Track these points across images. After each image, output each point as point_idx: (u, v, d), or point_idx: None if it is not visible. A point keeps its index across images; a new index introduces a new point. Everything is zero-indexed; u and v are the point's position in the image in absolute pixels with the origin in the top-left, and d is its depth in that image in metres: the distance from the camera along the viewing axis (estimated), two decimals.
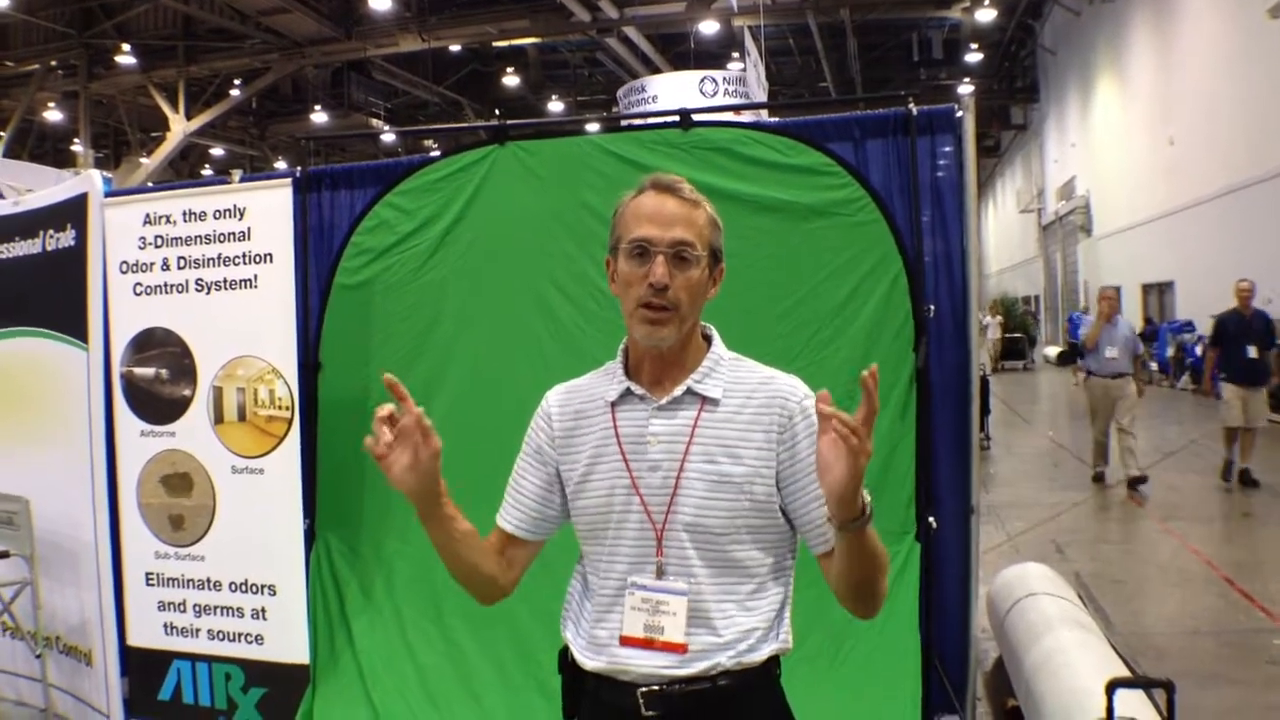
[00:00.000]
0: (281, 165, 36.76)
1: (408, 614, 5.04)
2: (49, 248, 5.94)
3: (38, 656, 5.79)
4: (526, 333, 4.95)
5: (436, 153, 5.34)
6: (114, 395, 5.58)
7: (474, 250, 5.04)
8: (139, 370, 5.52)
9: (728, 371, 2.45)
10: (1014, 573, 5.87)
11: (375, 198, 5.22)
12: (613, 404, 2.49)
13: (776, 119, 5.20)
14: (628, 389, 2.48)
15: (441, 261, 5.09)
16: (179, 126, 30.26)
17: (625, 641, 2.37)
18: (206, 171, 39.07)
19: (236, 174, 5.55)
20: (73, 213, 5.76)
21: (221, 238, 5.30)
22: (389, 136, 35.91)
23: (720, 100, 20.67)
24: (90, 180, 5.75)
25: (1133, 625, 7.06)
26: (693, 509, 2.36)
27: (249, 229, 5.24)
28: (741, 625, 2.37)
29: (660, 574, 2.37)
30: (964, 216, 4.63)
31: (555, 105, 36.72)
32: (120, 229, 5.58)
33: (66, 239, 5.79)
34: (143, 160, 31.74)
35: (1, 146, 28.85)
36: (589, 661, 2.43)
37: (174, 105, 30.22)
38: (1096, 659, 4.45)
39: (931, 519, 4.42)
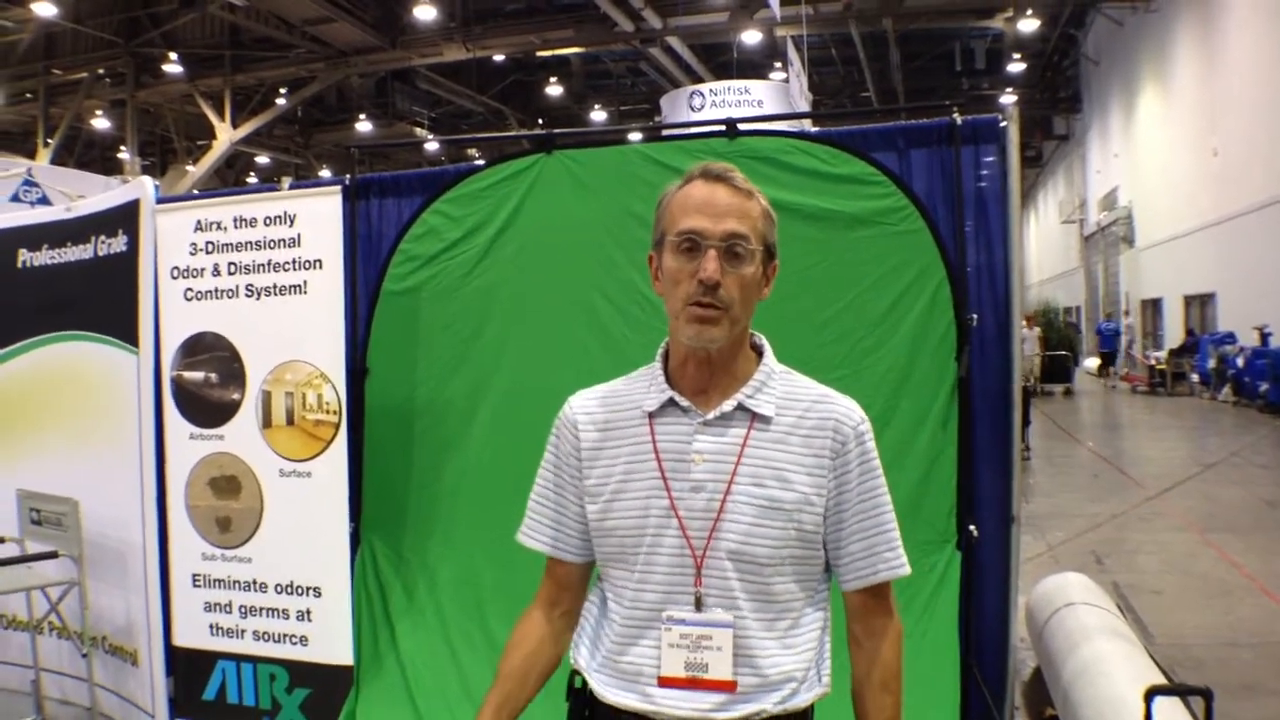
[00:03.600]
0: (326, 173, 37.06)
1: (451, 616, 5.09)
2: (100, 253, 6.03)
3: (84, 656, 5.87)
4: (572, 341, 4.99)
5: (481, 161, 5.39)
6: (164, 398, 5.66)
7: (520, 258, 5.09)
8: (189, 374, 5.60)
9: (780, 386, 2.28)
10: (1053, 582, 5.86)
11: (423, 205, 5.28)
12: (651, 415, 2.29)
13: (820, 129, 5.23)
14: (670, 399, 2.28)
15: (488, 269, 5.14)
16: (225, 135, 30.53)
17: (665, 682, 2.19)
18: (252, 179, 39.40)
19: (286, 181, 5.62)
20: (124, 219, 5.84)
21: (271, 244, 5.37)
22: (433, 145, 36.15)
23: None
24: (142, 187, 5.83)
25: (1171, 636, 7.04)
26: (739, 536, 2.18)
27: (299, 235, 5.30)
28: (784, 666, 2.21)
29: (699, 605, 2.19)
30: (1007, 226, 4.64)
31: (598, 115, 36.82)
32: (171, 235, 5.65)
33: (118, 244, 5.87)
34: (189, 168, 32.03)
35: (50, 153, 29.17)
36: (613, 695, 2.24)
37: (220, 114, 30.48)
38: (1135, 669, 4.45)
39: (972, 527, 4.43)
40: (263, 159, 39.10)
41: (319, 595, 5.27)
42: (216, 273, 5.52)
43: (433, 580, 5.18)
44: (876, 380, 4.54)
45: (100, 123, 34.26)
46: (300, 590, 5.30)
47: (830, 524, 2.25)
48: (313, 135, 37.72)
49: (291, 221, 5.34)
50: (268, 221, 5.40)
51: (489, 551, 5.00)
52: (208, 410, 5.55)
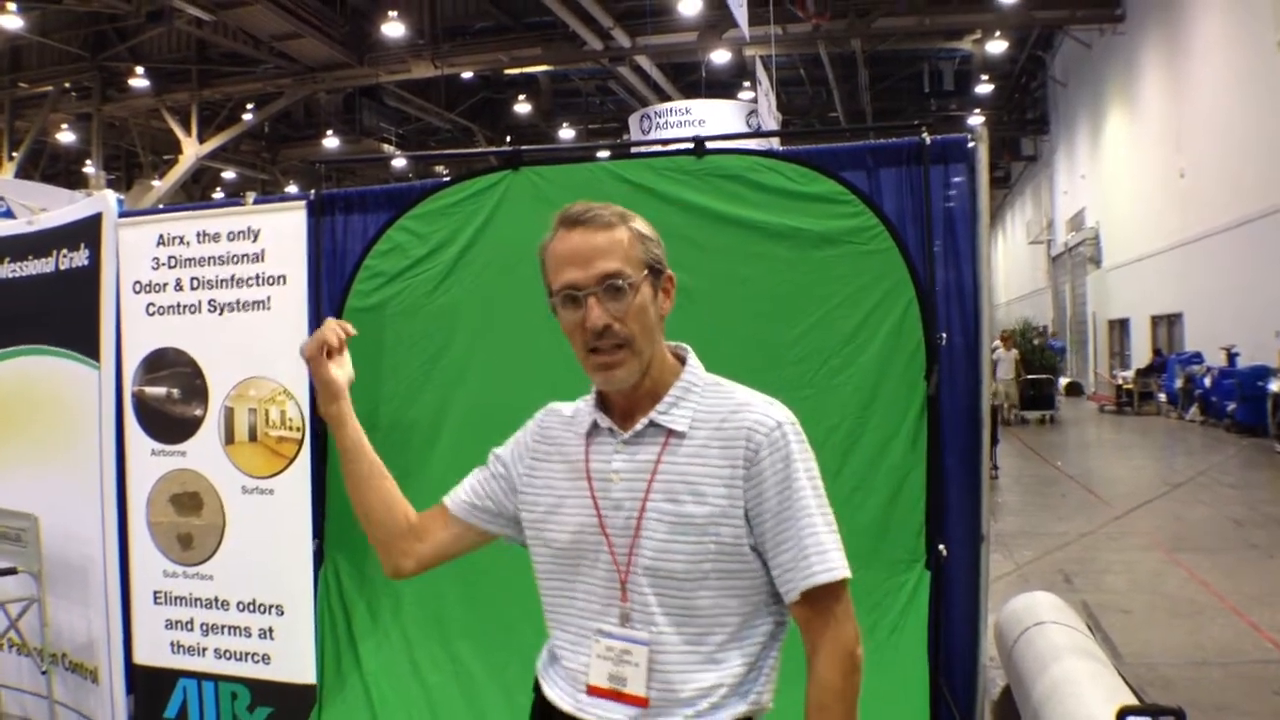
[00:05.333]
0: (293, 189, 36.90)
1: (415, 635, 5.03)
2: (62, 267, 5.97)
3: (44, 673, 5.80)
4: (539, 359, 4.92)
5: (448, 178, 5.36)
6: (125, 414, 5.60)
7: (486, 275, 5.04)
8: (150, 389, 5.54)
9: (699, 399, 2.31)
10: (1022, 601, 5.86)
11: (388, 221, 5.22)
12: (586, 435, 2.39)
13: (789, 147, 5.21)
14: (595, 421, 2.38)
15: (454, 286, 5.09)
16: (191, 150, 30.42)
17: (592, 690, 2.26)
18: (218, 194, 39.22)
19: (250, 196, 5.57)
20: (86, 233, 5.79)
21: (235, 259, 5.32)
22: (400, 162, 36.20)
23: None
24: (104, 200, 5.78)
25: (1140, 655, 7.05)
26: (653, 552, 2.22)
27: (262, 251, 5.26)
28: (703, 682, 2.21)
29: (625, 621, 2.24)
30: (976, 245, 4.63)
31: (566, 133, 36.86)
32: (133, 249, 5.60)
33: (80, 258, 5.82)
34: (154, 183, 31.89)
35: (14, 167, 28.98)
36: (553, 693, 2.34)
37: (186, 128, 30.37)
38: (1105, 689, 4.43)
39: (942, 546, 4.41)
40: (229, 174, 38.98)
41: (281, 613, 5.21)
42: (179, 288, 5.47)
43: (397, 600, 5.11)
44: (845, 399, 4.52)
45: (66, 136, 34.09)
46: (263, 608, 5.24)
47: (758, 535, 2.24)
48: (279, 151, 37.61)
49: (255, 237, 5.30)
50: (231, 236, 5.35)
51: (453, 570, 4.93)
52: (169, 426, 5.49)
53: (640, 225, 2.33)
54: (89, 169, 32.09)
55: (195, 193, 37.88)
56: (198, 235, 5.43)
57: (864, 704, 4.37)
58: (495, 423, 4.88)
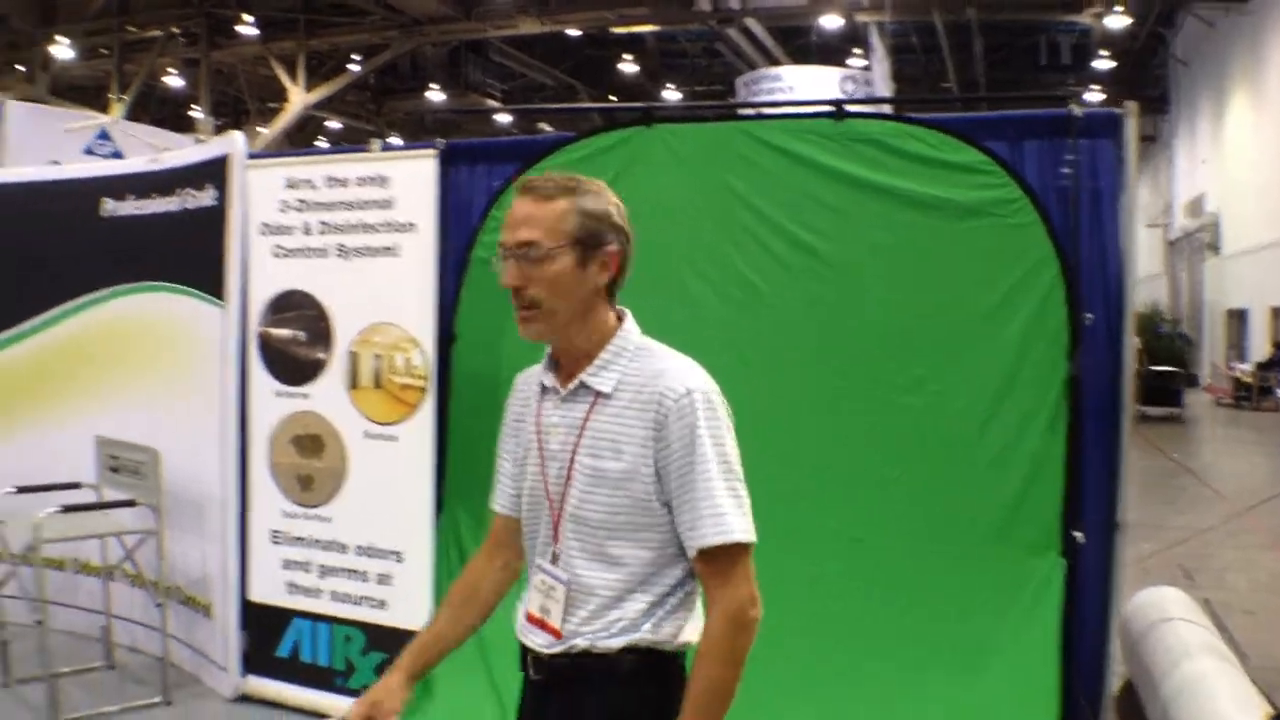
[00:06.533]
0: (396, 140, 37.00)
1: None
2: (187, 206, 6.02)
3: (158, 605, 5.87)
4: (665, 320, 4.81)
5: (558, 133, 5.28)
6: (249, 354, 5.64)
7: None
8: (275, 331, 5.57)
9: (627, 363, 2.44)
10: (1150, 596, 5.71)
11: (516, 173, 5.16)
12: (539, 393, 2.55)
13: (930, 114, 5.07)
14: (543, 381, 2.54)
15: None
16: (298, 98, 30.55)
17: (528, 617, 2.48)
18: (322, 143, 39.45)
19: (376, 144, 5.56)
20: (213, 173, 5.83)
21: (364, 205, 5.33)
22: (504, 117, 36.04)
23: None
24: (233, 142, 5.81)
25: (1267, 659, 6.83)
26: (575, 502, 2.41)
27: (392, 198, 5.25)
28: (608, 618, 2.39)
29: (554, 560, 2.44)
30: (1121, 222, 4.49)
31: (671, 94, 36.56)
32: (261, 191, 5.63)
33: (206, 198, 5.86)
34: (261, 130, 32.15)
35: (124, 109, 29.38)
36: (515, 622, 2.54)
37: (293, 77, 30.49)
38: (1237, 690, 4.31)
39: (1078, 534, 4.29)
40: (334, 124, 39.19)
41: (400, 560, 5.22)
42: (307, 231, 5.48)
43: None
44: (984, 375, 4.39)
45: (174, 81, 34.41)
46: (381, 553, 5.27)
47: (666, 493, 2.38)
48: (385, 102, 37.71)
49: (384, 183, 5.29)
50: (360, 182, 5.35)
51: None
52: (293, 368, 5.52)
53: (587, 201, 2.44)
54: (196, 113, 32.43)
55: (300, 141, 38.11)
56: (326, 180, 5.44)
57: (994, 690, 4.31)
58: None
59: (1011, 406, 4.37)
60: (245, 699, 5.64)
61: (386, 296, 5.26)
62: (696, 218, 4.85)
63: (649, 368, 2.42)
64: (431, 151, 5.21)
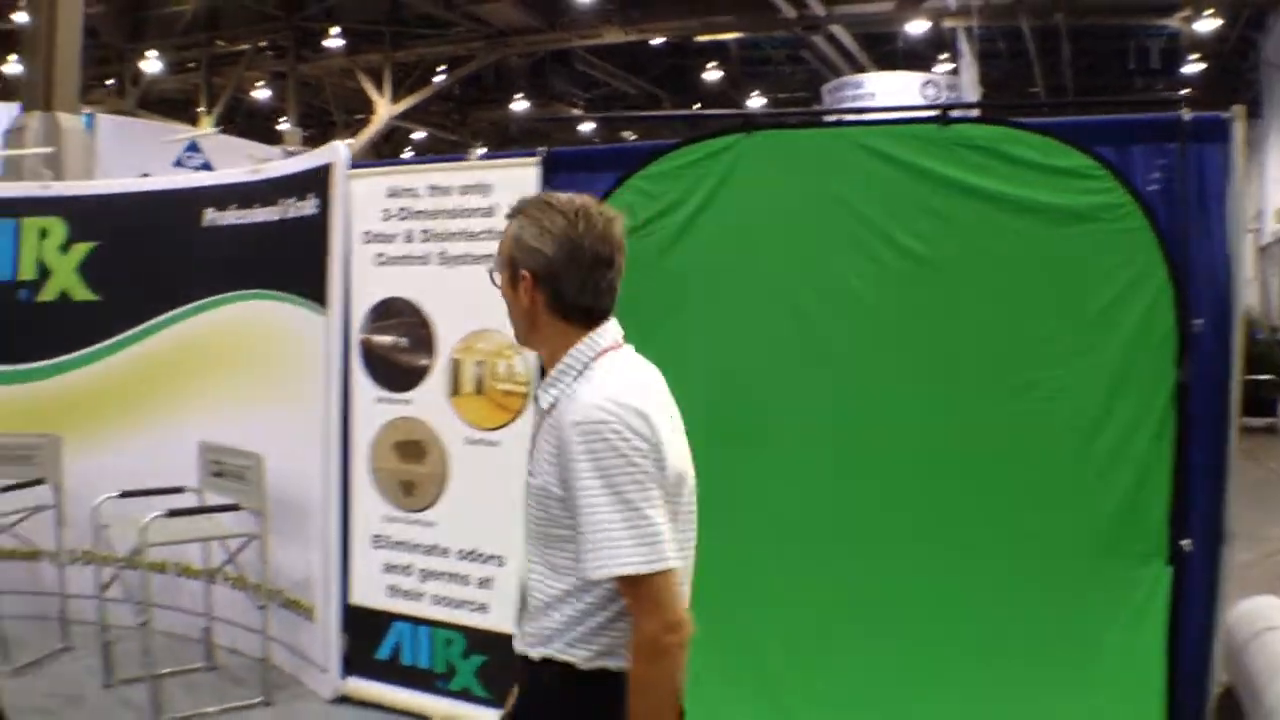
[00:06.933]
0: (481, 151, 37.14)
1: None
2: (289, 215, 6.12)
3: (261, 608, 5.96)
4: (772, 331, 4.84)
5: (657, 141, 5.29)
6: (351, 361, 5.71)
7: (717, 241, 4.94)
8: (378, 338, 5.65)
9: (571, 381, 2.44)
10: (1253, 605, 5.61)
11: (617, 181, 5.19)
12: None
13: (1033, 119, 5.03)
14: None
15: (683, 250, 5.00)
16: (384, 109, 30.84)
17: (519, 616, 2.63)
18: (408, 154, 39.73)
19: (475, 151, 5.62)
20: (315, 182, 5.92)
21: (466, 213, 5.39)
22: (587, 126, 36.11)
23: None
24: (335, 152, 5.91)
25: None
26: (527, 511, 2.56)
27: (494, 205, 5.30)
28: (544, 623, 2.46)
29: (529, 561, 2.58)
30: (1229, 227, 4.44)
31: (755, 101, 36.40)
32: (364, 200, 5.71)
33: (308, 207, 5.95)
34: (347, 141, 32.41)
35: (211, 122, 29.77)
36: None
37: (379, 89, 30.80)
38: None
39: (1186, 542, 4.25)
40: (419, 134, 39.47)
41: (502, 564, 5.26)
42: (409, 239, 5.55)
43: None
44: (1091, 382, 4.35)
45: (261, 93, 34.85)
46: (483, 558, 5.32)
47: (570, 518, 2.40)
48: (469, 113, 37.95)
49: (487, 191, 5.34)
50: (463, 190, 5.41)
51: None
52: (396, 375, 5.59)
53: (517, 224, 2.48)
54: (284, 125, 32.80)
55: (386, 151, 38.38)
56: (429, 188, 5.51)
57: (1093, 696, 4.29)
58: (722, 388, 4.89)
59: (1119, 413, 4.33)
60: (345, 700, 5.71)
61: (488, 304, 5.24)
62: (799, 225, 4.84)
63: (580, 389, 2.40)
64: (534, 159, 5.25)
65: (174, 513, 5.75)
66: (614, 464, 2.29)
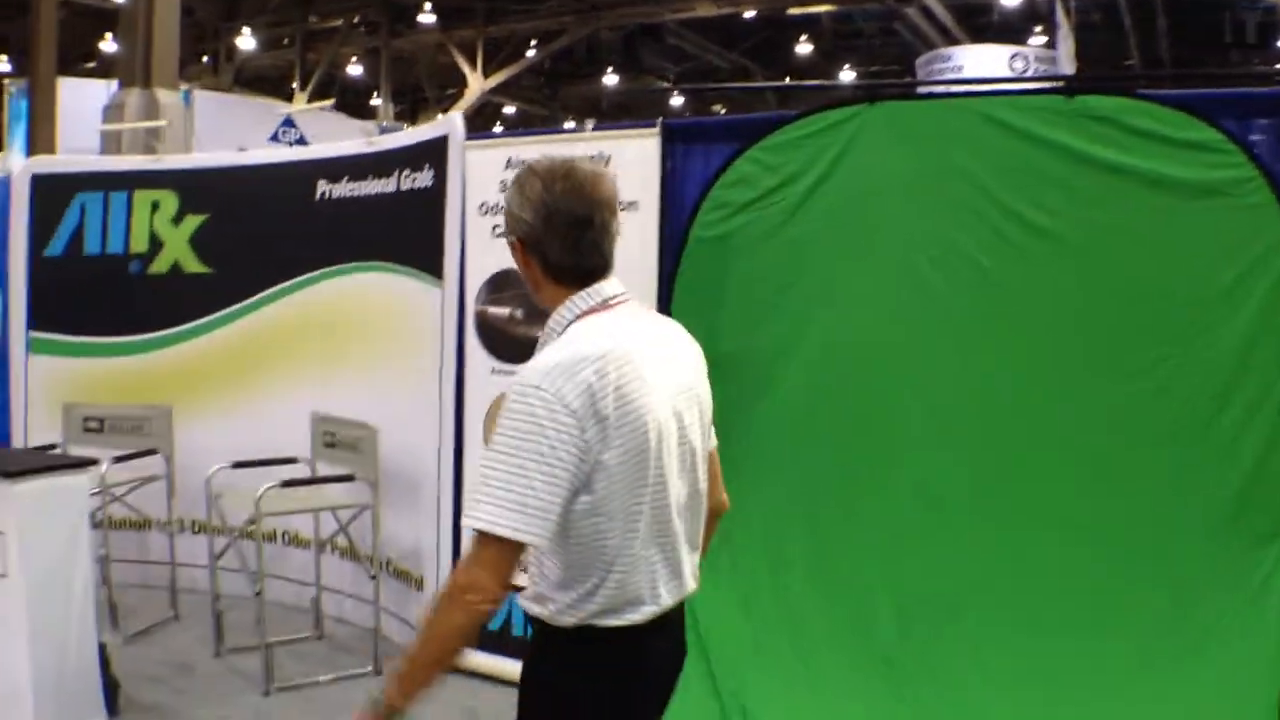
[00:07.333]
0: (570, 125, 37.11)
1: (746, 573, 4.95)
2: (404, 187, 6.14)
3: (373, 578, 6.01)
4: (892, 305, 4.79)
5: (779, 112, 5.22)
6: (466, 333, 5.73)
7: (838, 213, 4.88)
8: (493, 310, 5.65)
9: (550, 343, 2.48)
10: None
11: (736, 152, 5.14)
12: None
13: (1159, 91, 4.91)
14: None
15: (803, 221, 4.94)
16: (476, 84, 30.95)
17: None
18: (497, 128, 39.87)
19: (589, 123, 5.60)
20: (431, 154, 5.94)
21: None
22: (677, 100, 35.98)
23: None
24: (451, 124, 5.92)
25: None
26: None
27: (613, 176, 5.26)
28: (537, 584, 2.48)
29: None
30: None
31: (847, 75, 36.06)
32: (480, 171, 5.72)
33: (423, 179, 5.97)
34: (439, 117, 32.56)
35: (305, 98, 30.05)
36: None
37: (471, 64, 30.93)
38: None
39: None
40: (509, 109, 39.60)
41: None
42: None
43: (728, 535, 5.05)
44: (1214, 359, 4.25)
45: (354, 69, 35.13)
46: None
47: None
48: (560, 87, 37.96)
49: (606, 162, 5.31)
50: None
51: (792, 511, 4.90)
52: (511, 347, 5.59)
53: (508, 194, 2.57)
54: (376, 101, 33.05)
55: (477, 126, 38.34)
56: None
57: (1210, 674, 4.21)
58: (843, 361, 4.85)
59: (1244, 391, 4.23)
60: (453, 670, 5.72)
61: None
62: (921, 197, 4.76)
63: (545, 353, 2.42)
64: (653, 130, 5.22)
65: (289, 483, 5.81)
66: (524, 428, 2.29)
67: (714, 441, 2.80)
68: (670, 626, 2.57)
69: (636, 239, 5.15)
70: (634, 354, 2.40)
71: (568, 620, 2.43)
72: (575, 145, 5.39)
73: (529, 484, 2.27)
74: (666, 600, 2.50)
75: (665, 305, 5.22)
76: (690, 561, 2.61)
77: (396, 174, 6.24)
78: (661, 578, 2.49)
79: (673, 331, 2.73)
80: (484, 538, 2.27)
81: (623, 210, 5.09)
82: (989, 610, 4.55)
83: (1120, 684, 4.33)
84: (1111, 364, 4.41)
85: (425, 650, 2.35)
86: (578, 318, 2.48)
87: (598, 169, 2.55)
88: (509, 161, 5.59)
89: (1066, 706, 4.38)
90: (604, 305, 2.51)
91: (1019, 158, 4.55)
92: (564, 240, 2.47)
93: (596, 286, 2.52)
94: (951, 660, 4.56)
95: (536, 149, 5.50)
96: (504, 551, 2.28)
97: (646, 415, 2.38)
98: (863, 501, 4.74)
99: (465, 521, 2.31)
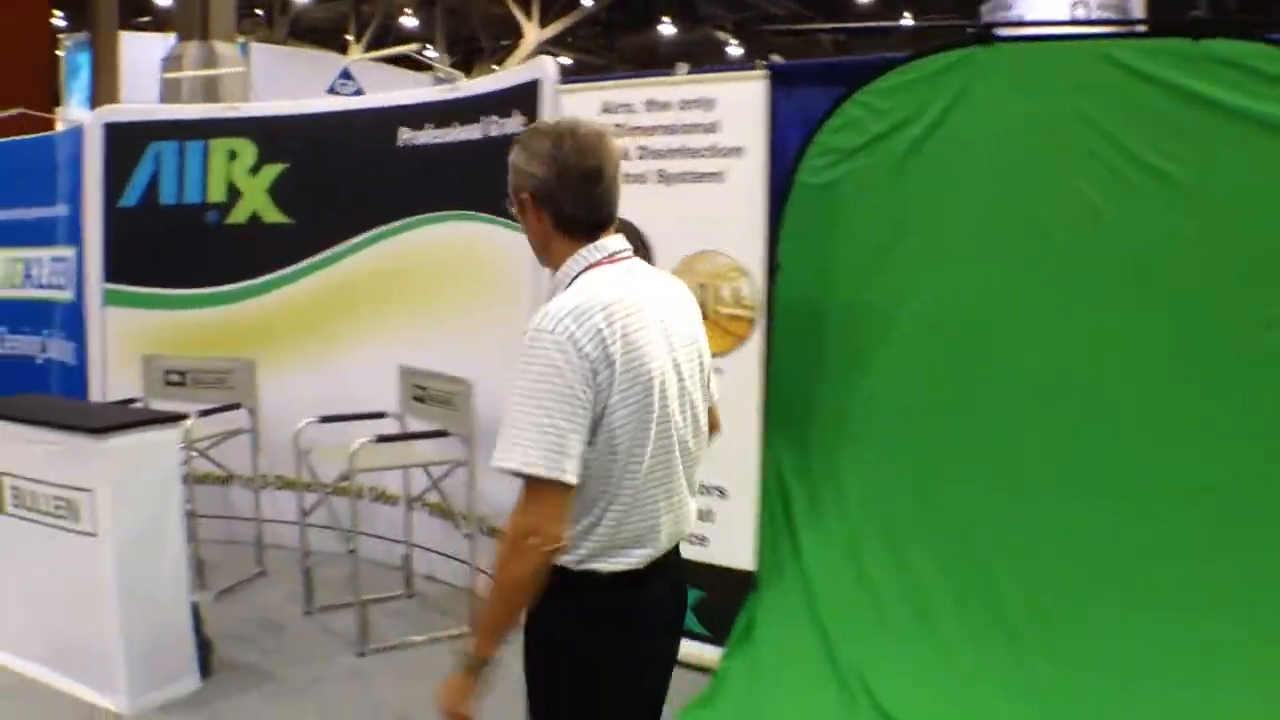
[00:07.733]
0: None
1: (861, 534, 4.78)
2: (491, 133, 5.97)
3: (467, 536, 5.89)
4: (1009, 255, 4.57)
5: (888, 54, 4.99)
6: None
7: (952, 159, 4.65)
8: None
9: (560, 292, 2.51)
10: None
11: (844, 96, 4.92)
12: None
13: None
14: None
15: (914, 168, 4.71)
16: (532, 34, 30.75)
17: None
18: None
19: (682, 67, 5.39)
20: (520, 99, 5.76)
21: (686, 129, 5.17)
22: (734, 50, 35.61)
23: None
24: (542, 67, 5.71)
25: None
26: None
27: (717, 121, 5.08)
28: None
29: None
30: None
31: (905, 21, 35.50)
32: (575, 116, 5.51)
33: (512, 125, 5.80)
34: (494, 68, 32.40)
35: (360, 49, 29.96)
36: None
37: (527, 14, 30.71)
38: None
39: None
40: (564, 60, 39.35)
41: (724, 495, 5.10)
42: (624, 156, 5.34)
43: (841, 494, 4.88)
44: None
45: (408, 21, 34.99)
46: (704, 489, 5.11)
47: None
48: (616, 37, 37.67)
49: (709, 106, 5.12)
50: (683, 105, 5.19)
51: (907, 471, 4.71)
52: None
53: (513, 154, 2.60)
54: (430, 53, 32.91)
55: None
56: (646, 104, 5.30)
57: None
58: (956, 314, 4.64)
59: None
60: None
61: (711, 224, 5.09)
62: (1039, 142, 4.51)
63: (555, 300, 2.46)
64: (761, 72, 5.00)
65: (383, 438, 5.67)
66: (543, 372, 2.34)
67: (716, 396, 2.99)
68: (668, 569, 2.65)
69: (743, 187, 4.96)
70: (640, 303, 2.48)
71: (568, 560, 2.47)
72: (678, 89, 5.20)
73: (554, 424, 2.32)
74: (664, 544, 2.58)
75: (772, 251, 5.03)
76: (690, 505, 2.71)
77: (484, 120, 6.06)
78: (664, 522, 2.57)
79: (674, 286, 2.78)
80: (529, 482, 2.33)
81: (726, 156, 4.94)
82: (1124, 586, 4.33)
83: (1250, 661, 4.06)
84: (1239, 316, 4.17)
85: (498, 603, 2.40)
86: (585, 270, 2.54)
87: (600, 128, 2.60)
88: (606, 105, 5.40)
89: (1217, 693, 4.10)
90: (610, 259, 2.57)
91: (1144, 102, 4.30)
92: (576, 192, 2.52)
93: (602, 241, 2.57)
94: (1083, 637, 4.33)
95: (635, 93, 5.34)
96: (550, 492, 2.33)
97: (651, 362, 2.45)
98: (979, 466, 4.54)
99: (495, 464, 2.35)
